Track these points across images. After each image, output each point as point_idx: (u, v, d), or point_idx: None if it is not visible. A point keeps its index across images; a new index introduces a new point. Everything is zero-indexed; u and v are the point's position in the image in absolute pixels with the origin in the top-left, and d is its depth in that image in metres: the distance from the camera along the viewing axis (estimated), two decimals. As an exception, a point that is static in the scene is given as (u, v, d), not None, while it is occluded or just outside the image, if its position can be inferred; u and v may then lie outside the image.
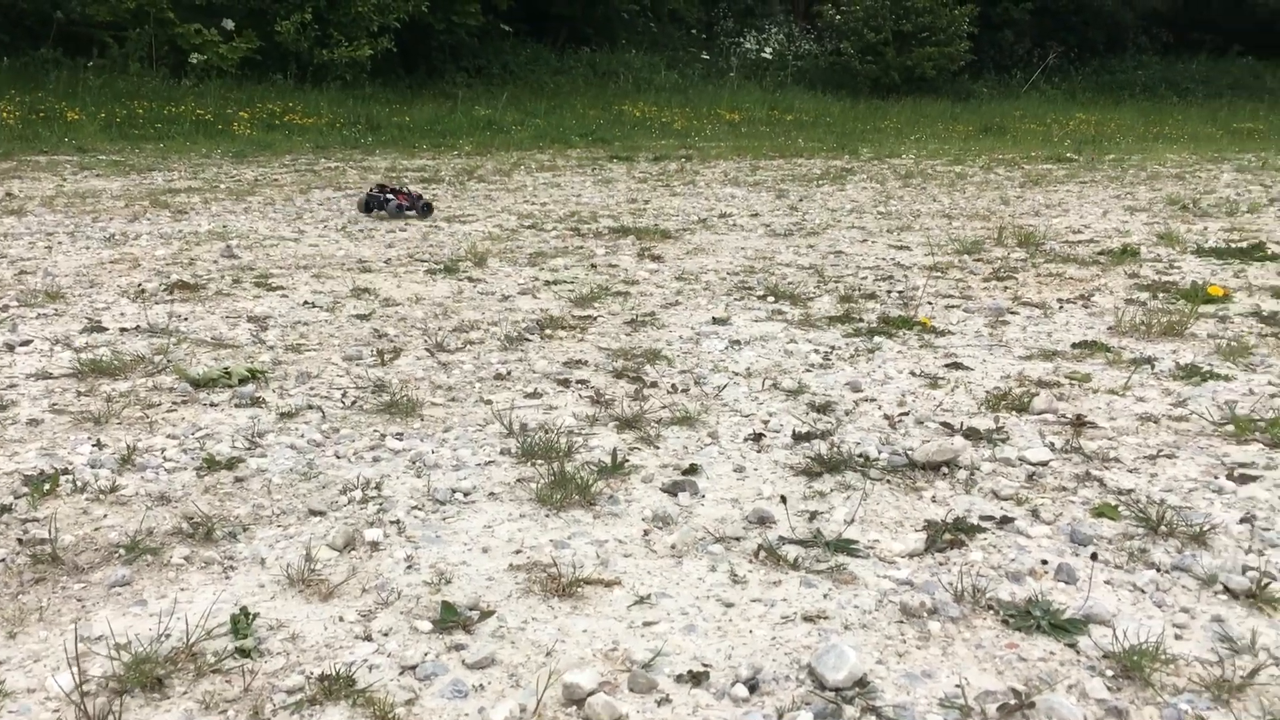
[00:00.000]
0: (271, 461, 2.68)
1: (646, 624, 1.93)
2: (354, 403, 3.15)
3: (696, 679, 1.75)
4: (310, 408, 3.10)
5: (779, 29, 22.02)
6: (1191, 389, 3.34)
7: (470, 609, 1.95)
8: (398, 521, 2.34)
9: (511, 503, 2.45)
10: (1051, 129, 16.43)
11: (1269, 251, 5.77)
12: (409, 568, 2.13)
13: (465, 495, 2.49)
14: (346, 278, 5.08)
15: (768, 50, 21.04)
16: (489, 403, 3.18)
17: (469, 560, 2.17)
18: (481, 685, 1.73)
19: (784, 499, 2.41)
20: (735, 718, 1.64)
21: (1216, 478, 2.60)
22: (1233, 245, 5.98)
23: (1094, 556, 2.02)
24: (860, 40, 19.97)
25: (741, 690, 1.71)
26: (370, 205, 7.11)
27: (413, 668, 1.77)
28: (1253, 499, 2.48)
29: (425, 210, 7.12)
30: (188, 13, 15.78)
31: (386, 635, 1.88)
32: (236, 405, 3.11)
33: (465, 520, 2.36)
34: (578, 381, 3.43)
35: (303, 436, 2.85)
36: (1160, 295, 4.76)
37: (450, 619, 1.89)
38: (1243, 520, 2.36)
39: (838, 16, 20.40)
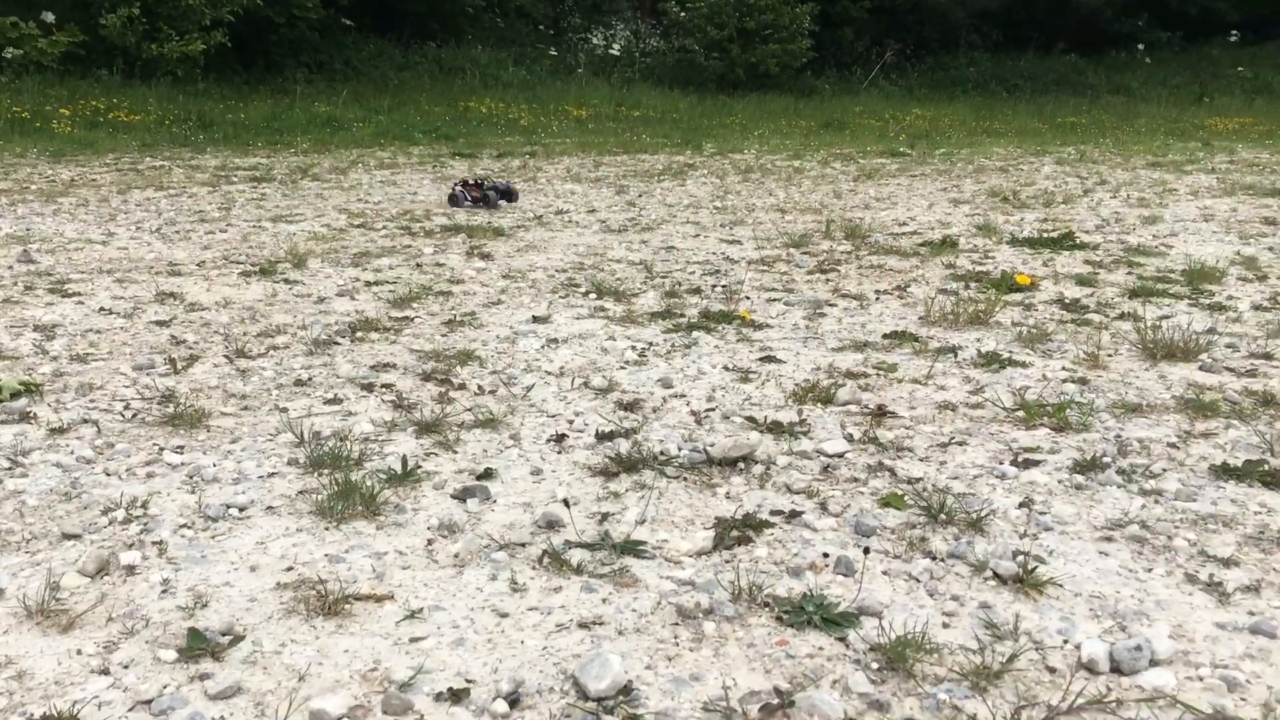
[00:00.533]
0: (32, 482, 2.50)
1: (414, 640, 1.85)
2: (135, 415, 2.98)
3: (456, 696, 1.68)
4: (86, 422, 2.91)
5: (626, 25, 22.08)
6: (990, 376, 3.42)
7: (223, 634, 1.84)
8: (160, 542, 2.20)
9: (290, 516, 2.34)
10: (889, 124, 16.88)
11: (1078, 240, 6.01)
12: (164, 592, 2.00)
13: (241, 511, 2.36)
14: (152, 282, 4.84)
15: (615, 47, 21.08)
16: (284, 411, 3.04)
17: (233, 581, 2.05)
18: (223, 717, 1.62)
19: (567, 502, 2.36)
20: (492, 735, 1.57)
21: (1001, 463, 2.66)
22: (1045, 235, 6.21)
23: (866, 551, 2.03)
24: (705, 37, 20.17)
25: (501, 706, 1.65)
26: (456, 200, 7.36)
27: (148, 702, 1.65)
28: (1033, 483, 2.54)
29: (509, 196, 7.46)
30: (4, 5, 14.92)
31: (126, 668, 1.75)
32: (2, 422, 2.90)
33: (237, 538, 2.24)
34: (382, 385, 3.32)
35: (72, 454, 2.68)
36: (973, 285, 4.89)
37: (198, 646, 1.77)
38: (1021, 505, 2.41)
39: (682, 13, 20.56)
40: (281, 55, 17.87)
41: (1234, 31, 24.93)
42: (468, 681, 1.72)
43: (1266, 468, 2.57)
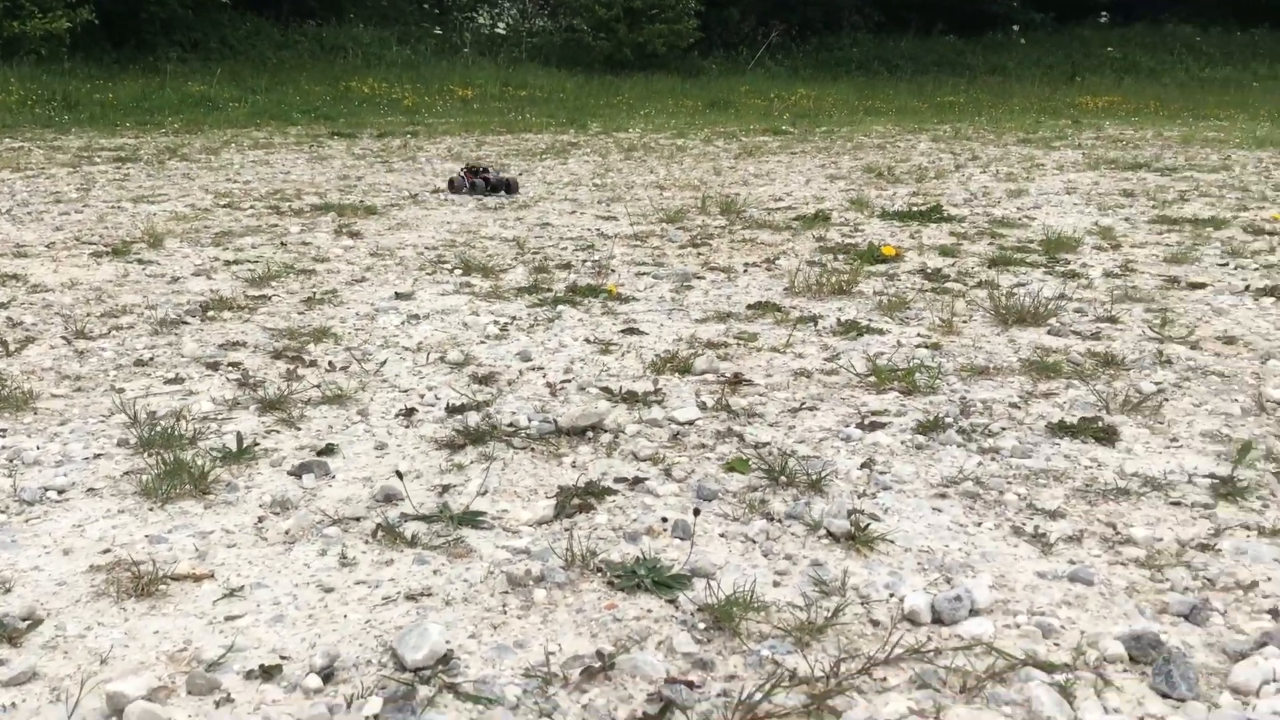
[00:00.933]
0: None
1: (229, 618, 1.78)
2: (-44, 399, 2.83)
3: (268, 673, 1.62)
4: (-100, 408, 2.76)
5: (512, 4, 21.85)
6: (847, 344, 3.46)
7: (22, 619, 1.75)
8: (-32, 528, 2.09)
9: (113, 498, 2.24)
10: (774, 104, 17.03)
11: (945, 213, 6.13)
12: (-34, 579, 1.90)
13: (60, 493, 2.25)
14: (-6, 265, 4.61)
15: (501, 26, 20.84)
16: (120, 391, 2.92)
17: (43, 565, 1.95)
18: (14, 704, 1.54)
19: (400, 474, 2.31)
20: (302, 711, 1.52)
21: (847, 426, 2.68)
22: (914, 209, 6.31)
23: (696, 512, 2.02)
24: (593, 16, 20.07)
25: (315, 681, 1.60)
26: (456, 187, 6.93)
27: (-68, 693, 1.56)
28: (876, 444, 2.57)
29: (508, 188, 6.94)
30: None
31: (-87, 658, 1.65)
32: None
33: (52, 521, 2.13)
34: (229, 364, 3.21)
35: (-119, 440, 2.53)
36: (841, 257, 4.95)
37: (-6, 633, 1.68)
38: (862, 466, 2.43)
39: (569, -9, 20.44)
40: (153, 33, 17.25)
41: (1104, 13, 25.77)
42: (282, 658, 1.67)
43: (1101, 424, 2.65)
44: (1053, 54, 23.62)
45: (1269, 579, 1.92)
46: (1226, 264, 4.76)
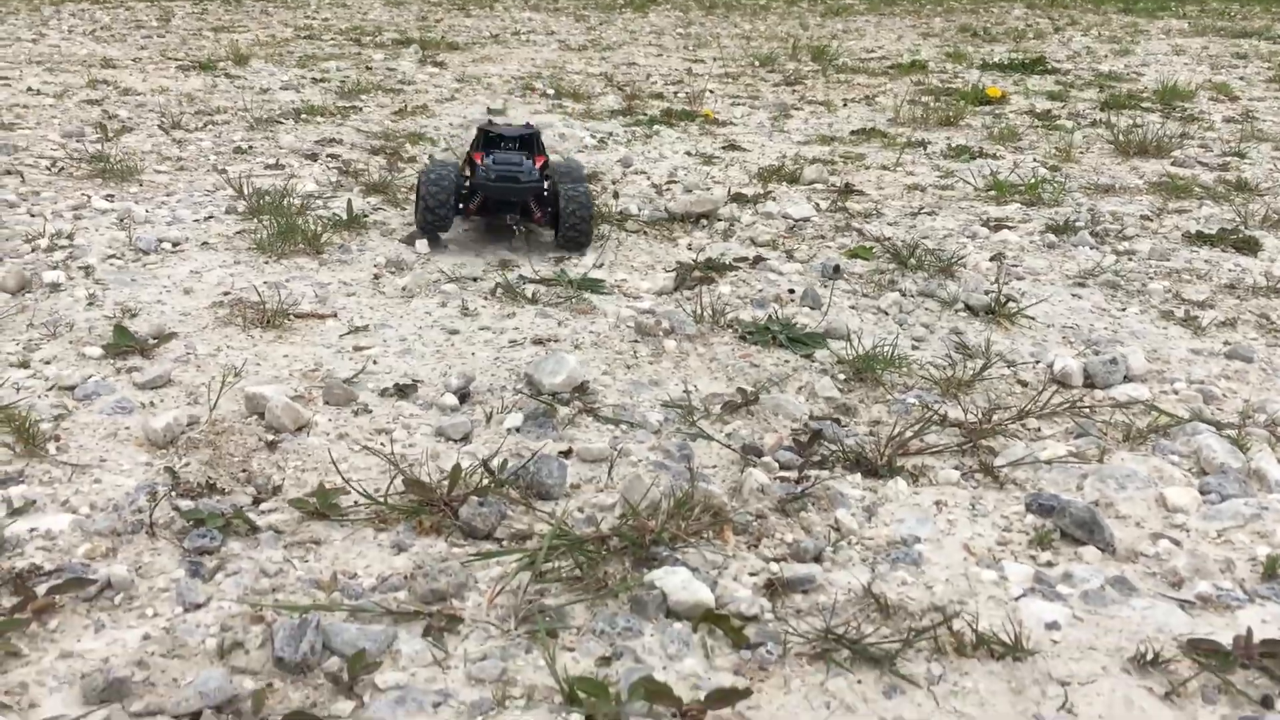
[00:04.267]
0: (-52, 218, 2.34)
1: (358, 349, 1.75)
2: (61, 170, 2.80)
3: (403, 391, 1.59)
4: (9, 173, 2.73)
5: None
6: (960, 165, 3.32)
7: (152, 338, 1.72)
8: (88, 267, 2.06)
9: (227, 252, 2.21)
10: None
11: (1049, 65, 5.86)
12: (90, 305, 1.87)
13: (174, 245, 2.22)
14: (85, 72, 4.57)
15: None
16: (223, 172, 2.87)
17: (165, 300, 1.93)
18: (151, 403, 1.52)
19: (515, 226, 2.25)
20: (442, 423, 1.48)
21: (972, 226, 2.57)
22: (1015, 61, 6.04)
23: (836, 269, 1.93)
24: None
25: (451, 399, 1.56)
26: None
27: (71, 388, 1.55)
28: (1005, 241, 2.46)
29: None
30: None
31: (48, 363, 1.64)
32: (-83, 170, 2.71)
33: (169, 267, 2.10)
34: (328, 155, 3.15)
35: (-7, 198, 2.51)
36: (943, 99, 4.75)
37: (125, 343, 1.66)
38: (993, 258, 2.33)
39: None
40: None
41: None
42: (415, 380, 1.63)
43: (1240, 235, 2.51)
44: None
45: None
46: (1356, 115, 4.49)
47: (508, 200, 2.17)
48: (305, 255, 2.20)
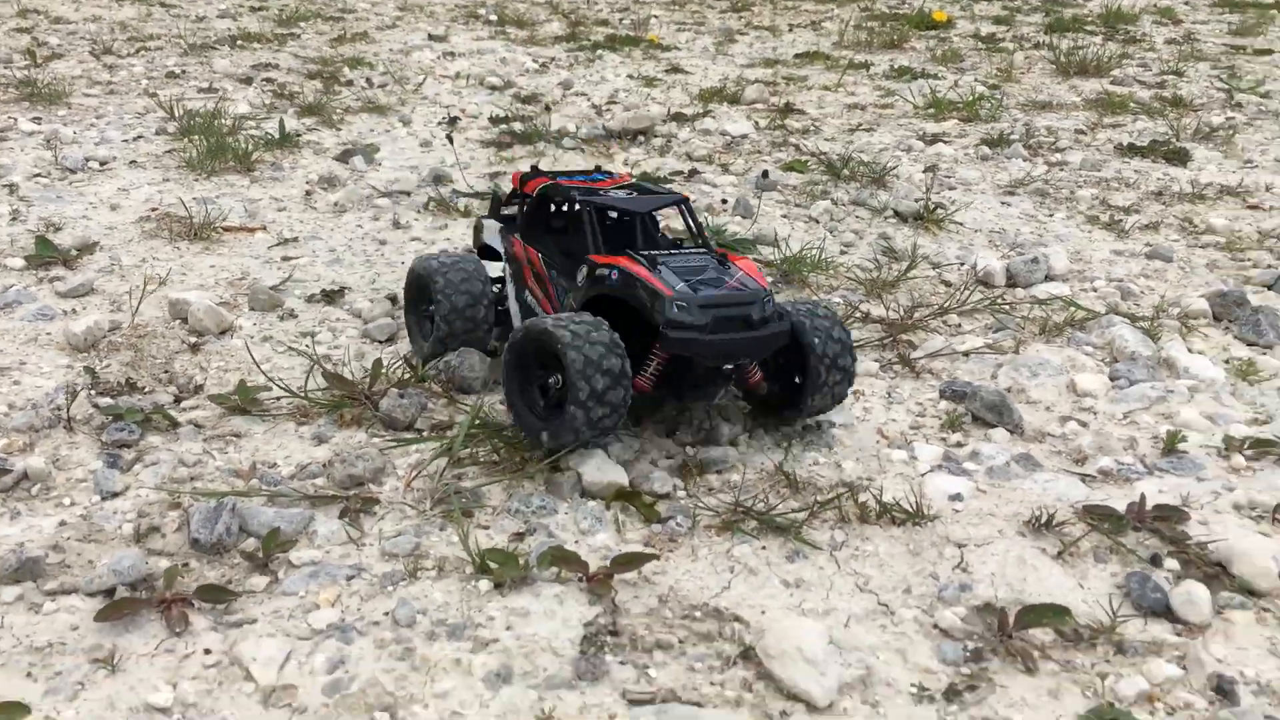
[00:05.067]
0: None
1: (286, 259, 1.74)
2: (-13, 93, 2.74)
3: (330, 297, 1.59)
4: (-69, 98, 2.68)
5: None
6: (901, 85, 3.32)
7: (75, 249, 1.71)
8: (12, 185, 2.03)
9: (156, 170, 2.18)
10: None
11: (996, -8, 5.85)
12: (14, 220, 1.85)
13: (102, 164, 2.19)
14: (14, 2, 4.45)
15: None
16: (154, 95, 2.82)
17: (91, 215, 1.91)
18: (74, 310, 1.51)
19: (450, 138, 2.24)
20: (365, 327, 1.48)
21: (908, 141, 2.59)
22: (964, -13, 6.03)
23: (765, 174, 1.94)
24: None
25: (383, 304, 1.56)
26: None
27: (-10, 297, 1.53)
28: (939, 154, 2.48)
29: None
30: None
31: (-32, 273, 1.62)
32: None
33: (96, 185, 2.08)
34: (264, 80, 3.10)
35: (-86, 121, 2.45)
36: (889, 24, 4.74)
37: (47, 254, 1.64)
38: (926, 170, 2.35)
39: None
40: None
41: None
42: (343, 287, 1.63)
43: (1171, 147, 2.54)
44: None
45: (1355, 262, 1.85)
46: (1294, 37, 4.54)
47: (731, 361, 1.16)
48: (236, 173, 2.17)
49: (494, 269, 1.39)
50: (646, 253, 1.21)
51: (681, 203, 1.30)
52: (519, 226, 1.38)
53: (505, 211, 1.43)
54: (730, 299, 1.14)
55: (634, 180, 1.41)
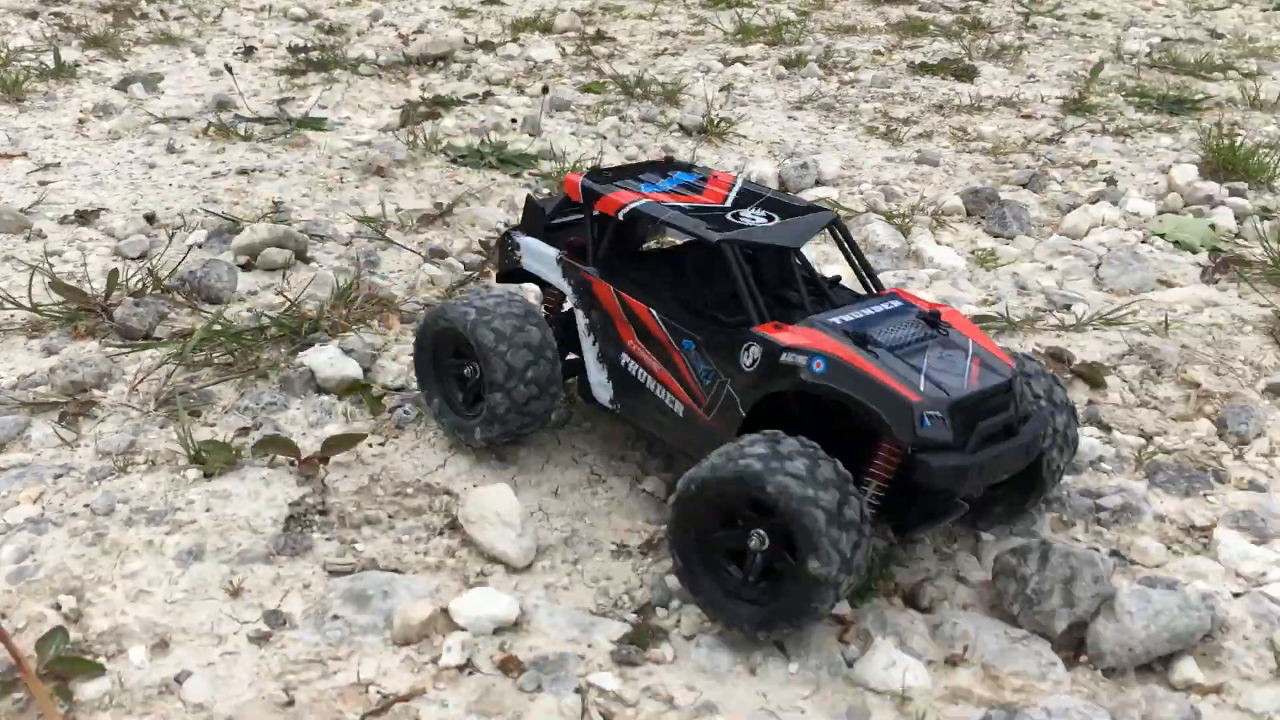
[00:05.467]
0: None
1: (42, 183, 1.68)
2: None
3: (84, 218, 1.54)
4: None
5: None
6: (714, 14, 3.35)
7: None
8: None
9: (-87, 102, 2.07)
10: None
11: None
12: None
13: None
14: None
15: None
16: (-76, 30, 2.67)
17: None
18: None
19: (229, 68, 2.18)
20: (117, 245, 1.45)
21: (709, 63, 2.62)
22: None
23: (545, 89, 1.94)
24: None
25: (140, 223, 1.52)
26: None
27: None
28: (736, 74, 2.51)
29: None
30: None
31: None
32: None
33: None
34: (51, 14, 2.96)
35: None
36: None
37: None
38: (722, 89, 2.39)
39: None
40: None
41: None
42: (101, 209, 1.58)
43: (961, 65, 2.63)
44: None
45: (1108, 162, 1.96)
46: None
47: (994, 482, 0.89)
48: (4, 103, 2.08)
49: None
50: (834, 317, 0.87)
51: (833, 224, 0.98)
52: (595, 258, 1.00)
53: (557, 221, 1.05)
54: (988, 396, 0.83)
55: (734, 177, 1.06)
